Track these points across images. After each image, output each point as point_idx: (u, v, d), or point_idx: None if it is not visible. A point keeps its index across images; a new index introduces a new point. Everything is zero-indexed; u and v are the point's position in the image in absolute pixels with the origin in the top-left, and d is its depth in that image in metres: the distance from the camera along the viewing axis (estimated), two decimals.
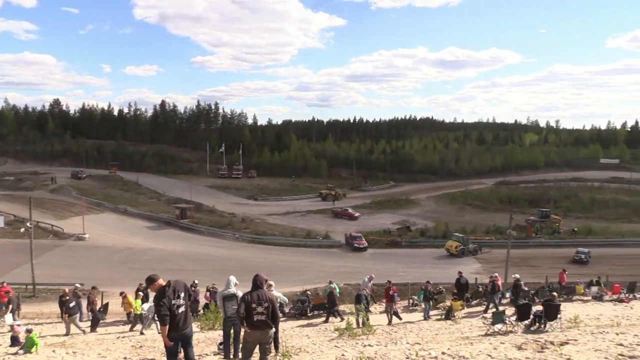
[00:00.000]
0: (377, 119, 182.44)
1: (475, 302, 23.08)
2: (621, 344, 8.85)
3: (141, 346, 11.84)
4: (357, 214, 61.53)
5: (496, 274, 22.23)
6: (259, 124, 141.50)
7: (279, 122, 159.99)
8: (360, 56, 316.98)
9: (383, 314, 19.90)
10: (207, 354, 9.83)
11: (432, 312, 19.88)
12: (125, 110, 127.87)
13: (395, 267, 37.99)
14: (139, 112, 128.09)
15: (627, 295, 24.27)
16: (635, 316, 16.82)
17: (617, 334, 11.16)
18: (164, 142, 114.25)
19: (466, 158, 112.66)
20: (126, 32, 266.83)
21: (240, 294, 8.41)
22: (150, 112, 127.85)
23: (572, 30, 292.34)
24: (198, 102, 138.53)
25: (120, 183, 79.35)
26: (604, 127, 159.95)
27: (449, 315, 18.56)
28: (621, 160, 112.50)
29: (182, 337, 6.68)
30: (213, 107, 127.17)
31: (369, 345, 10.47)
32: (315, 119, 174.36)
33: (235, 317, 8.29)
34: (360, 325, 15.33)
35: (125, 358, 10.15)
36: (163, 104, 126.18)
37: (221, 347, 9.46)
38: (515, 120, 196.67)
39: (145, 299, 18.01)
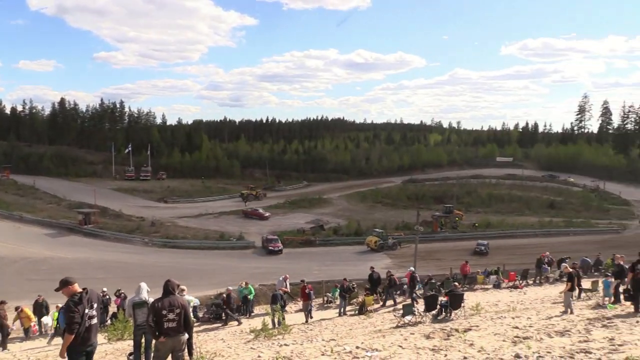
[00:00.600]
0: (290, 120, 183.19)
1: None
2: (517, 327, 9.63)
3: None
4: (267, 214, 61.44)
5: (411, 269, 23.26)
6: (168, 123, 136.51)
7: (190, 122, 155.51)
8: (272, 56, 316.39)
9: (299, 312, 20.07)
10: None
11: (347, 308, 20.34)
12: (19, 108, 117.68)
13: (309, 265, 38.43)
14: (35, 110, 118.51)
15: (521, 282, 26.46)
16: (528, 301, 18.34)
17: (513, 318, 12.12)
18: (64, 142, 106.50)
19: (376, 157, 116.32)
20: (19, 24, 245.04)
21: (151, 300, 8.11)
22: (48, 111, 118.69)
23: (470, 37, 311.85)
24: (102, 100, 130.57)
25: (14, 187, 73.02)
26: (499, 128, 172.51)
27: (362, 310, 19.08)
28: (514, 158, 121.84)
29: (89, 352, 6.31)
30: (118, 105, 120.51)
31: (285, 344, 10.53)
32: (227, 119, 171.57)
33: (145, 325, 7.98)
34: (276, 325, 15.35)
35: None
36: (62, 101, 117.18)
37: (131, 357, 9.05)
38: (421, 121, 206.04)
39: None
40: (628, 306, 11.83)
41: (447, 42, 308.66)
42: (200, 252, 44.56)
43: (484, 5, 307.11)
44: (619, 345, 6.59)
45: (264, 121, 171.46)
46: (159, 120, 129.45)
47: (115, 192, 75.78)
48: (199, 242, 47.30)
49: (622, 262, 15.46)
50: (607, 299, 14.91)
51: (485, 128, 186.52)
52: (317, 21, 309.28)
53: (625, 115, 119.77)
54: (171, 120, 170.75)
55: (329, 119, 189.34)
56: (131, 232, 49.75)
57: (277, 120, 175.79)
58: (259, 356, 8.62)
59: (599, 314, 11.08)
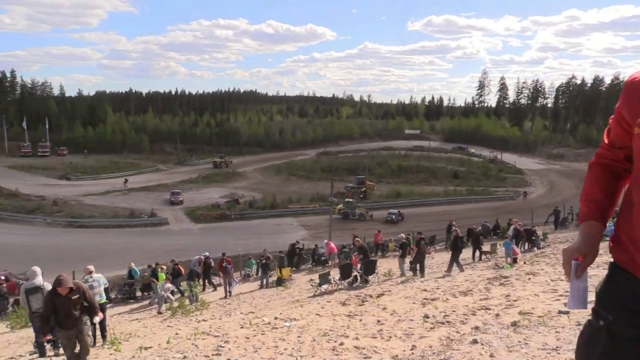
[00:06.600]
0: (201, 92, 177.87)
1: (303, 266, 24.56)
2: (425, 290, 10.29)
3: None
4: (180, 198, 54.45)
5: (326, 241, 23.91)
6: (67, 95, 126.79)
7: (92, 93, 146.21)
8: (178, 24, 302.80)
9: (216, 289, 19.90)
10: (21, 355, 8.84)
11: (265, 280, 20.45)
12: None
13: (225, 240, 38.05)
14: None
15: (429, 247, 28.07)
16: (435, 265, 19.56)
17: (421, 281, 12.92)
18: None
19: (290, 130, 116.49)
20: None
21: (47, 286, 7.70)
22: None
23: (378, 12, 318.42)
24: None
25: None
26: (407, 101, 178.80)
27: (280, 281, 19.33)
28: (421, 130, 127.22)
29: None
30: (8, 75, 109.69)
31: (203, 320, 10.50)
32: (134, 91, 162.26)
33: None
34: (194, 302, 15.19)
35: None
36: None
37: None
38: (333, 94, 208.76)
39: None
40: (521, 266, 12.98)
41: (356, 16, 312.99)
42: (110, 230, 42.68)
43: None
44: (514, 300, 7.28)
45: (173, 93, 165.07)
46: (56, 92, 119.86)
47: (9, 170, 69.75)
48: (107, 220, 45.19)
49: (517, 227, 16.94)
50: (508, 259, 16.37)
51: (394, 101, 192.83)
52: None
53: (520, 91, 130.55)
54: (70, 92, 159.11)
55: (241, 91, 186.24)
56: (31, 212, 46.40)
57: (187, 92, 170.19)
58: (176, 333, 8.53)
59: (498, 274, 12.10)
